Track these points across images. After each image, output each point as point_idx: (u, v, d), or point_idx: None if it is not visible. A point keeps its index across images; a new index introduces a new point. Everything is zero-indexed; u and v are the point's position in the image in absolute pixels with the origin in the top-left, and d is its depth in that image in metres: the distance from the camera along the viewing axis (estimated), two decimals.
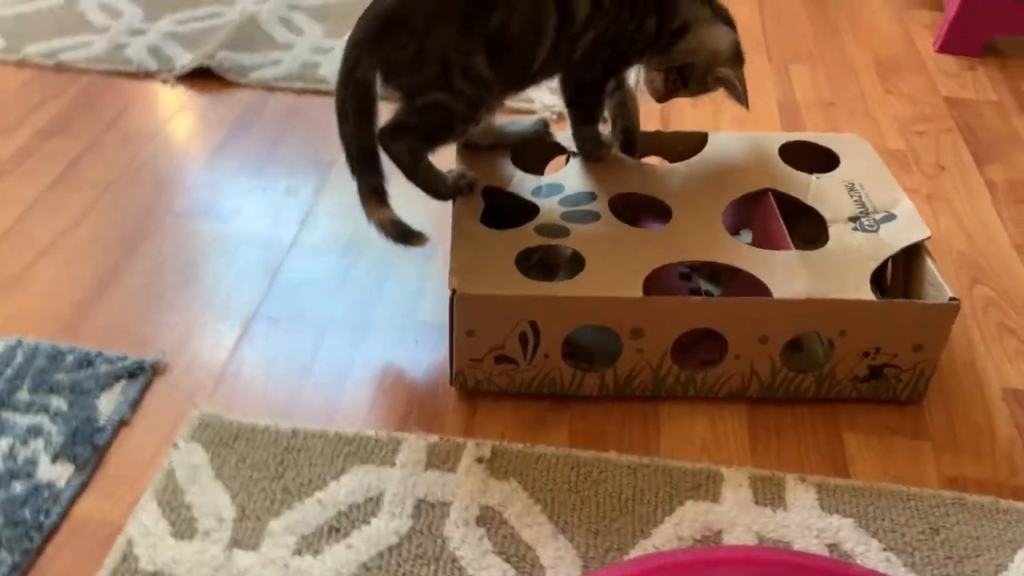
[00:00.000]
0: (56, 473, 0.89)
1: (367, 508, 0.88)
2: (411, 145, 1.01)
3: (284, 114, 1.49)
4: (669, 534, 0.87)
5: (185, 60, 1.59)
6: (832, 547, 0.86)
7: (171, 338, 1.06)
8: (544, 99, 1.49)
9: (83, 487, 0.89)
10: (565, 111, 1.13)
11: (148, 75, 1.57)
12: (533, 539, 0.86)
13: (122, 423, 0.96)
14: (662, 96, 1.11)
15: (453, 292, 0.93)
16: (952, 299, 0.95)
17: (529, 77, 1.05)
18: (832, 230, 1.04)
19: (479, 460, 0.92)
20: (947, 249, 1.25)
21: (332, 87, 1.52)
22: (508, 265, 0.97)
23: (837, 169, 1.13)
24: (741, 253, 1.01)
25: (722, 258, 1.00)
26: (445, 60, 0.97)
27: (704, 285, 1.12)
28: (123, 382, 0.99)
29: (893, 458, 0.96)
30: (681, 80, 1.09)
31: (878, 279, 1.07)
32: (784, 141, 1.17)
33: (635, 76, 1.14)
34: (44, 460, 0.90)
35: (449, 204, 1.05)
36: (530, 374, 0.98)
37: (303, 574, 0.82)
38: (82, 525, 0.86)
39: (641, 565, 0.76)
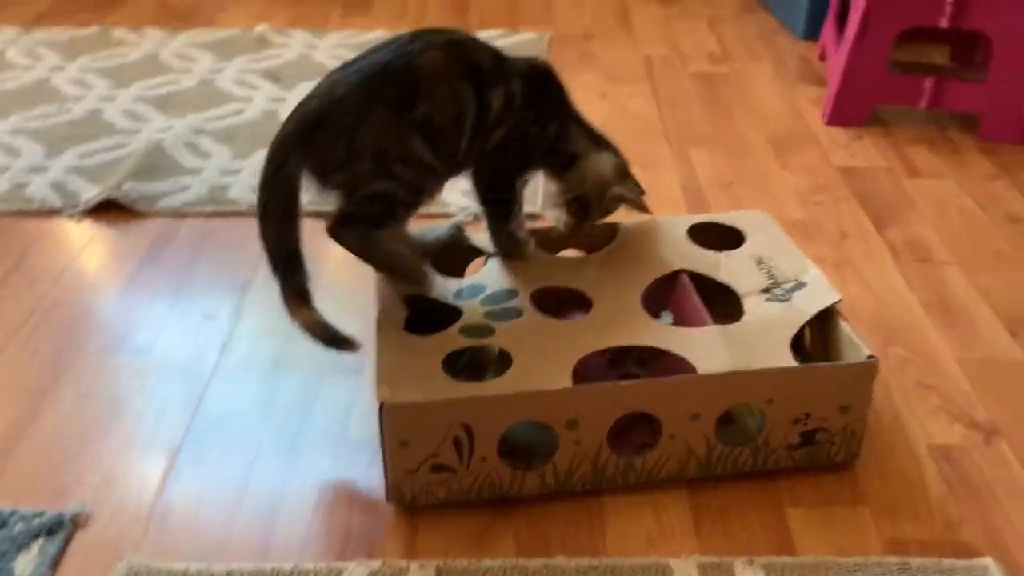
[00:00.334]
0: None
1: None
2: (359, 233, 1.03)
3: (196, 239, 1.48)
4: None
5: (90, 194, 1.57)
6: None
7: (92, 485, 1.01)
8: (458, 202, 1.52)
9: None
10: (481, 211, 1.15)
11: (53, 212, 1.54)
12: None
13: None
14: (571, 228, 1.16)
15: (382, 404, 0.92)
16: (870, 356, 0.98)
17: (455, 165, 1.07)
18: (747, 303, 1.06)
19: None
20: (858, 313, 1.29)
21: (243, 208, 1.54)
22: (435, 370, 0.97)
23: (744, 245, 1.17)
24: (663, 334, 1.02)
25: (644, 341, 1.02)
26: (380, 152, 0.99)
27: (634, 369, 1.13)
28: (41, 540, 0.93)
29: (836, 528, 0.96)
30: (581, 210, 1.15)
31: (798, 346, 1.10)
32: (691, 223, 1.21)
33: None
34: None
35: (372, 315, 1.04)
36: (468, 480, 0.97)
37: None
38: None
39: None
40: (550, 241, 1.19)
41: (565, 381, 0.95)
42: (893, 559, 0.92)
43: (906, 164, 1.71)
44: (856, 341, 1.01)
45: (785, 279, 1.10)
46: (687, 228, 1.19)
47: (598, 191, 1.14)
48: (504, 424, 0.95)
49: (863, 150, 1.76)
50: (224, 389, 1.16)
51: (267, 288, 1.34)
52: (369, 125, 0.99)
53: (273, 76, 2.04)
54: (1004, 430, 1.10)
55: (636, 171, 1.19)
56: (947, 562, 0.92)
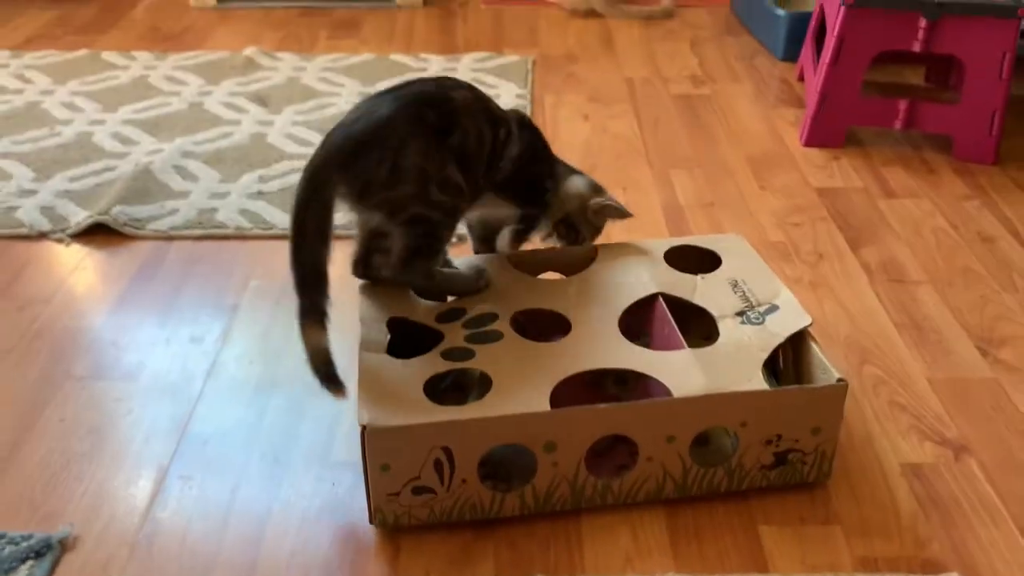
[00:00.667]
0: None
1: None
2: (424, 270, 1.10)
3: (184, 262, 1.50)
4: None
5: (80, 217, 1.59)
6: None
7: (79, 509, 1.03)
8: None
9: None
10: (512, 227, 1.23)
11: (42, 236, 1.56)
12: None
13: None
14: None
15: (363, 428, 0.94)
16: (839, 380, 1.01)
17: (475, 194, 1.14)
18: (721, 326, 1.09)
19: None
20: (834, 333, 1.32)
21: (231, 231, 1.56)
22: (416, 394, 0.99)
23: (720, 268, 1.20)
24: (639, 357, 1.05)
25: (622, 364, 1.04)
26: (422, 174, 1.05)
27: (613, 389, 1.15)
28: (30, 563, 0.95)
29: (808, 546, 0.99)
30: (571, 231, 1.23)
31: (772, 366, 1.12)
32: (669, 246, 1.23)
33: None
34: None
35: (355, 337, 1.06)
36: (449, 502, 0.99)
37: None
38: None
39: None
40: (530, 263, 1.22)
41: (544, 404, 0.97)
42: None
43: (882, 184, 1.75)
44: (827, 364, 1.03)
45: (759, 302, 1.13)
46: (664, 251, 1.22)
47: (580, 207, 1.21)
48: (484, 447, 0.97)
49: (840, 171, 1.80)
50: (211, 412, 1.18)
51: (254, 311, 1.37)
52: (413, 147, 1.04)
53: (261, 100, 2.07)
54: (973, 447, 1.13)
55: (618, 192, 1.23)
56: None
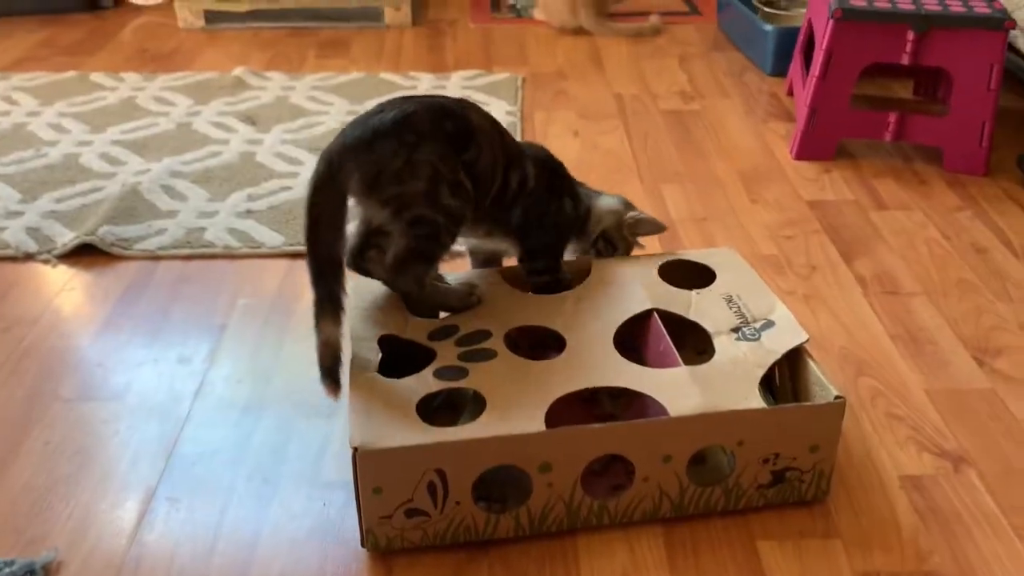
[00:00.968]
0: None
1: None
2: (417, 276, 1.09)
3: (172, 282, 1.48)
4: None
5: (66, 238, 1.57)
6: None
7: (65, 532, 1.01)
8: None
9: None
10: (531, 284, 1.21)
11: (28, 257, 1.54)
12: None
13: None
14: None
15: (355, 450, 0.92)
16: (837, 397, 1.00)
17: (478, 215, 1.13)
18: (717, 342, 1.08)
19: None
20: (829, 345, 1.31)
21: (219, 251, 1.55)
22: (409, 414, 0.97)
23: (714, 283, 1.19)
24: (634, 375, 1.03)
25: (617, 382, 1.03)
26: (435, 174, 1.04)
27: (608, 407, 1.14)
28: None
29: (808, 561, 0.97)
30: (608, 245, 1.25)
31: (768, 383, 1.11)
32: (663, 261, 1.22)
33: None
34: None
35: (346, 356, 1.05)
36: (443, 524, 0.97)
37: None
38: None
39: None
40: (523, 279, 1.20)
41: (538, 424, 0.95)
42: None
43: (873, 197, 1.74)
44: (824, 381, 1.02)
45: (754, 318, 1.11)
46: (658, 266, 1.21)
47: (616, 222, 1.24)
48: (478, 469, 0.95)
49: (831, 183, 1.79)
50: (198, 433, 1.16)
51: (242, 331, 1.36)
52: (429, 146, 1.04)
53: (249, 119, 2.06)
54: (972, 458, 1.12)
55: None
56: None
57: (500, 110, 2.09)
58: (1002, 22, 1.73)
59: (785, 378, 1.11)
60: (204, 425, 1.17)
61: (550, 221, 1.19)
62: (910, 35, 1.76)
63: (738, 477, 1.01)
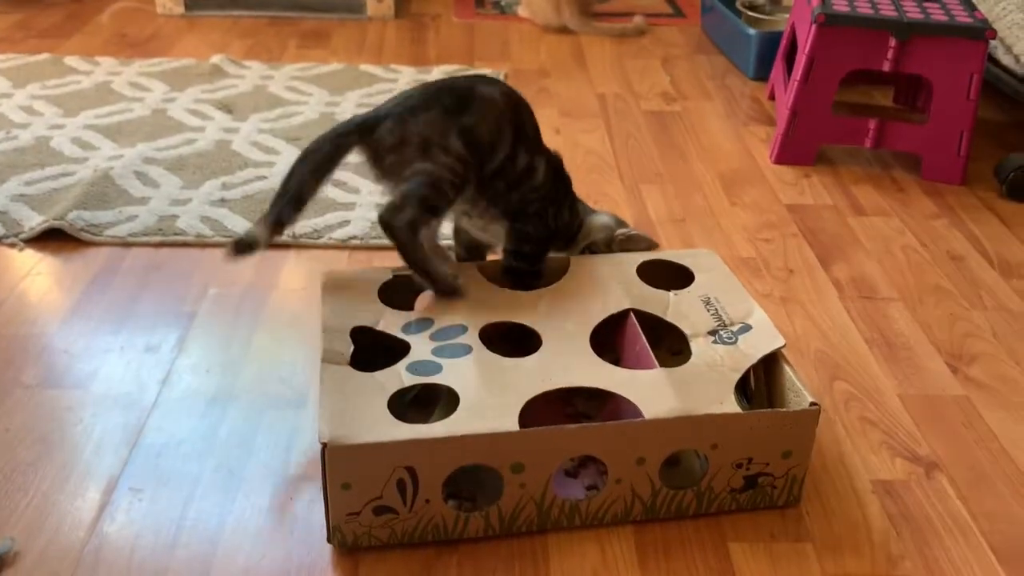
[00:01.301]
0: None
1: None
2: (411, 220, 1.09)
3: (142, 270, 1.45)
4: None
5: (35, 222, 1.54)
6: None
7: (22, 522, 0.98)
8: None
9: None
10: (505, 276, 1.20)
11: None
12: None
13: None
14: None
15: (324, 445, 0.90)
16: (812, 403, 0.99)
17: (480, 182, 1.14)
18: (693, 345, 1.07)
19: None
20: (805, 349, 1.31)
21: (191, 239, 1.52)
22: (380, 409, 0.95)
23: (693, 284, 1.18)
24: (610, 376, 1.02)
25: (592, 382, 1.01)
26: (425, 140, 1.10)
27: (583, 407, 1.13)
28: None
29: (779, 564, 0.97)
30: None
31: (743, 386, 1.11)
32: (641, 261, 1.21)
33: None
34: None
35: (318, 352, 1.03)
36: (412, 522, 0.96)
37: None
38: None
39: None
40: (501, 274, 1.19)
41: (511, 423, 0.94)
42: None
43: (852, 202, 1.75)
44: (800, 387, 1.01)
45: (731, 321, 1.11)
46: (637, 266, 1.20)
47: (607, 238, 1.26)
48: (449, 467, 0.94)
49: (810, 188, 1.79)
50: (164, 422, 1.14)
51: (212, 320, 1.33)
52: (421, 120, 1.11)
53: (226, 107, 2.03)
54: (944, 464, 1.12)
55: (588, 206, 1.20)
56: None
57: None
58: (983, 32, 1.74)
59: (760, 382, 1.10)
60: (170, 415, 1.15)
61: (545, 219, 1.19)
62: (892, 42, 1.76)
63: (711, 481, 1.00)
